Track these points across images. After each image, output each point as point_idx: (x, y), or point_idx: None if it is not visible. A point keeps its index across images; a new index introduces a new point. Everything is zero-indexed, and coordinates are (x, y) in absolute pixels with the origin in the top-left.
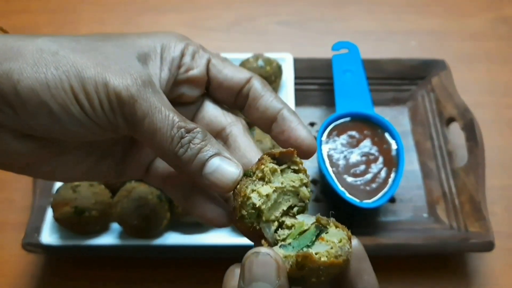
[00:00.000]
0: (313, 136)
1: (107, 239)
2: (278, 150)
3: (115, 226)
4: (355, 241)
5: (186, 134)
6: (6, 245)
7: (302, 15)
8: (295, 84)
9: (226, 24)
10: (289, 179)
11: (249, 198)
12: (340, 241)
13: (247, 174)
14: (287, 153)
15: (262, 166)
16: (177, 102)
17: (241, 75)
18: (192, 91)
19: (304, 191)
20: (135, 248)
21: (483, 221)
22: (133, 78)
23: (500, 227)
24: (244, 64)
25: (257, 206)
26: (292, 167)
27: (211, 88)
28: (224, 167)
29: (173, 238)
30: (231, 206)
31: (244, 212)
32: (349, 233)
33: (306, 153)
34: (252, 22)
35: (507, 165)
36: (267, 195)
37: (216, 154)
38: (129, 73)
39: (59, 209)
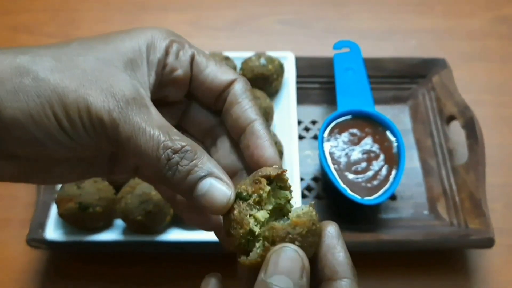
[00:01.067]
0: (278, 157)
1: (111, 235)
2: (273, 171)
3: (119, 222)
4: (330, 223)
5: (173, 155)
6: (10, 241)
7: (304, 14)
8: (297, 82)
9: (229, 23)
10: (277, 197)
11: (250, 230)
12: (302, 209)
13: (241, 196)
14: (281, 174)
15: (261, 191)
16: (164, 102)
17: (223, 76)
18: (177, 91)
19: (288, 207)
20: (138, 243)
21: (483, 218)
22: (115, 100)
23: (500, 224)
24: (246, 62)
25: (255, 232)
26: (279, 184)
27: (192, 87)
28: (215, 190)
29: (176, 234)
30: (224, 226)
31: (243, 240)
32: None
33: None
34: (255, 21)
35: (507, 162)
36: (264, 220)
37: (207, 175)
38: (111, 94)
39: (64, 205)
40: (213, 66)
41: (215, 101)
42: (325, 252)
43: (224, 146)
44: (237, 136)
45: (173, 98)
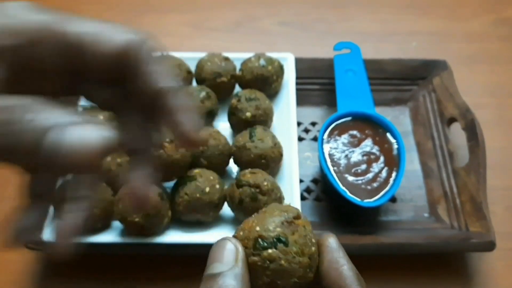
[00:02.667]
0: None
1: (109, 236)
2: (294, 211)
3: (117, 224)
4: (329, 236)
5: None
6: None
7: (304, 16)
8: (297, 84)
9: (229, 24)
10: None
11: None
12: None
13: (281, 241)
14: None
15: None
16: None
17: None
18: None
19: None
20: (136, 245)
21: (484, 221)
22: None
23: (501, 227)
24: (246, 63)
25: None
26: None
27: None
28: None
29: (174, 236)
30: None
31: None
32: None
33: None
34: (255, 22)
35: (508, 165)
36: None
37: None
38: None
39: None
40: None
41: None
42: (328, 268)
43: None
44: (145, 110)
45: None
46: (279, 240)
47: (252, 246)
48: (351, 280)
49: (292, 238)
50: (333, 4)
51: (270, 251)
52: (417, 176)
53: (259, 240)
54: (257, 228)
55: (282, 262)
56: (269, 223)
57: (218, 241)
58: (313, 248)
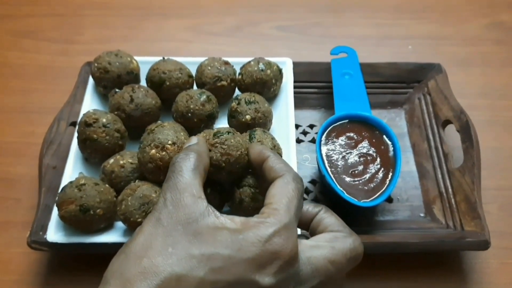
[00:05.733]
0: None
1: (112, 236)
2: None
3: (120, 224)
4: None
5: None
6: (12, 243)
7: (302, 20)
8: (295, 87)
9: (228, 29)
10: None
11: None
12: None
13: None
14: None
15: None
16: None
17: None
18: None
19: None
20: None
21: (479, 220)
22: None
23: (495, 227)
24: (245, 67)
25: None
26: None
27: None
28: None
29: None
30: None
31: None
32: None
33: None
34: (254, 27)
35: (502, 166)
36: None
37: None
38: None
39: (64, 208)
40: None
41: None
42: (253, 147)
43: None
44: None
45: None
46: (229, 132)
47: (213, 135)
48: (281, 166)
49: (236, 134)
50: (330, 9)
51: (224, 135)
52: (413, 176)
53: (217, 132)
54: (214, 129)
55: (232, 141)
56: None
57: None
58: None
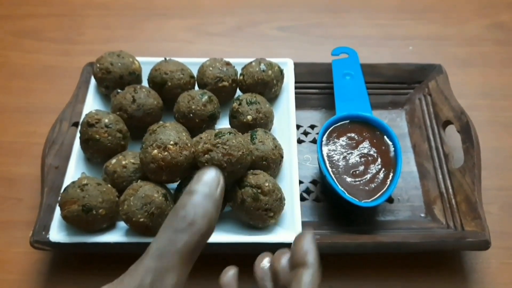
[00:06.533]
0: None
1: (114, 236)
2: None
3: (122, 224)
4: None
5: None
6: (15, 243)
7: (303, 21)
8: (296, 88)
9: (229, 29)
10: None
11: None
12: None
13: None
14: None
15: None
16: None
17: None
18: None
19: None
20: (141, 245)
21: (479, 220)
22: None
23: (495, 227)
24: (247, 68)
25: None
26: None
27: None
28: None
29: None
30: None
31: None
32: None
33: None
34: (255, 27)
35: (502, 166)
36: None
37: None
38: None
39: (67, 207)
40: None
41: None
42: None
43: None
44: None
45: None
46: (230, 132)
47: (214, 136)
48: (305, 255)
49: (237, 134)
50: (331, 10)
51: (226, 135)
52: (413, 177)
53: (219, 132)
54: (216, 129)
55: (233, 141)
56: (221, 129)
57: (203, 168)
58: (250, 146)
